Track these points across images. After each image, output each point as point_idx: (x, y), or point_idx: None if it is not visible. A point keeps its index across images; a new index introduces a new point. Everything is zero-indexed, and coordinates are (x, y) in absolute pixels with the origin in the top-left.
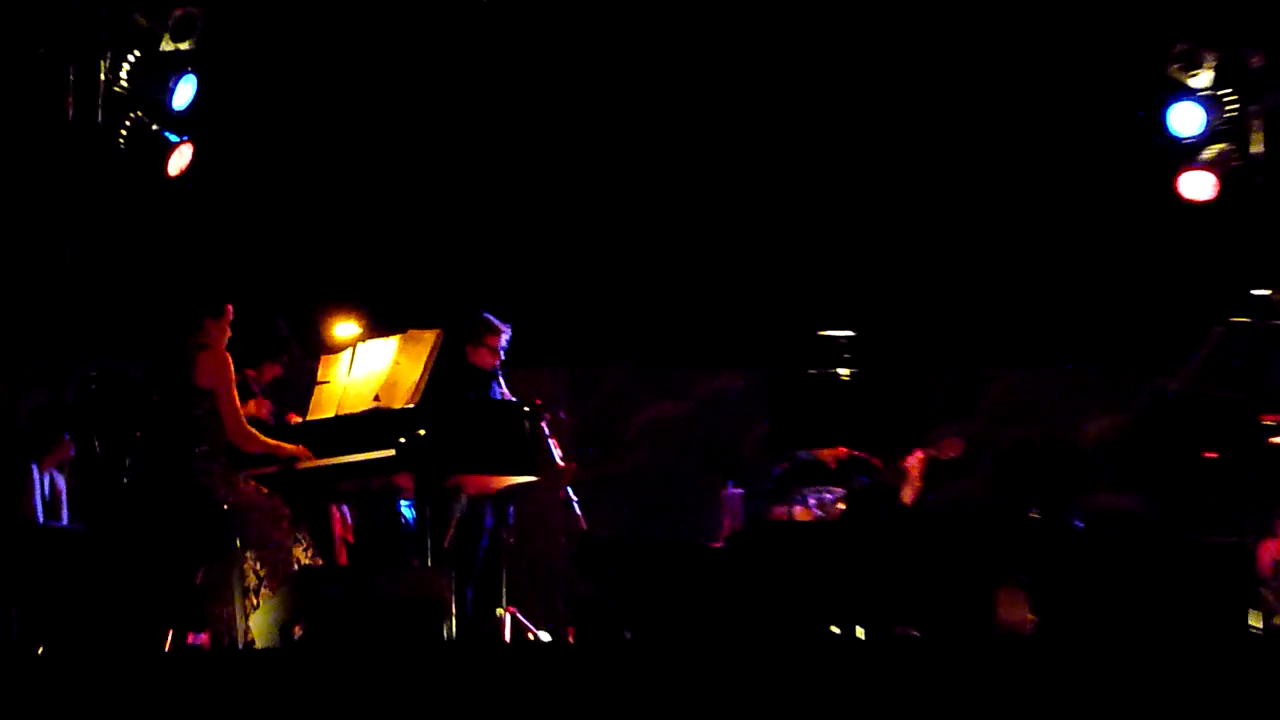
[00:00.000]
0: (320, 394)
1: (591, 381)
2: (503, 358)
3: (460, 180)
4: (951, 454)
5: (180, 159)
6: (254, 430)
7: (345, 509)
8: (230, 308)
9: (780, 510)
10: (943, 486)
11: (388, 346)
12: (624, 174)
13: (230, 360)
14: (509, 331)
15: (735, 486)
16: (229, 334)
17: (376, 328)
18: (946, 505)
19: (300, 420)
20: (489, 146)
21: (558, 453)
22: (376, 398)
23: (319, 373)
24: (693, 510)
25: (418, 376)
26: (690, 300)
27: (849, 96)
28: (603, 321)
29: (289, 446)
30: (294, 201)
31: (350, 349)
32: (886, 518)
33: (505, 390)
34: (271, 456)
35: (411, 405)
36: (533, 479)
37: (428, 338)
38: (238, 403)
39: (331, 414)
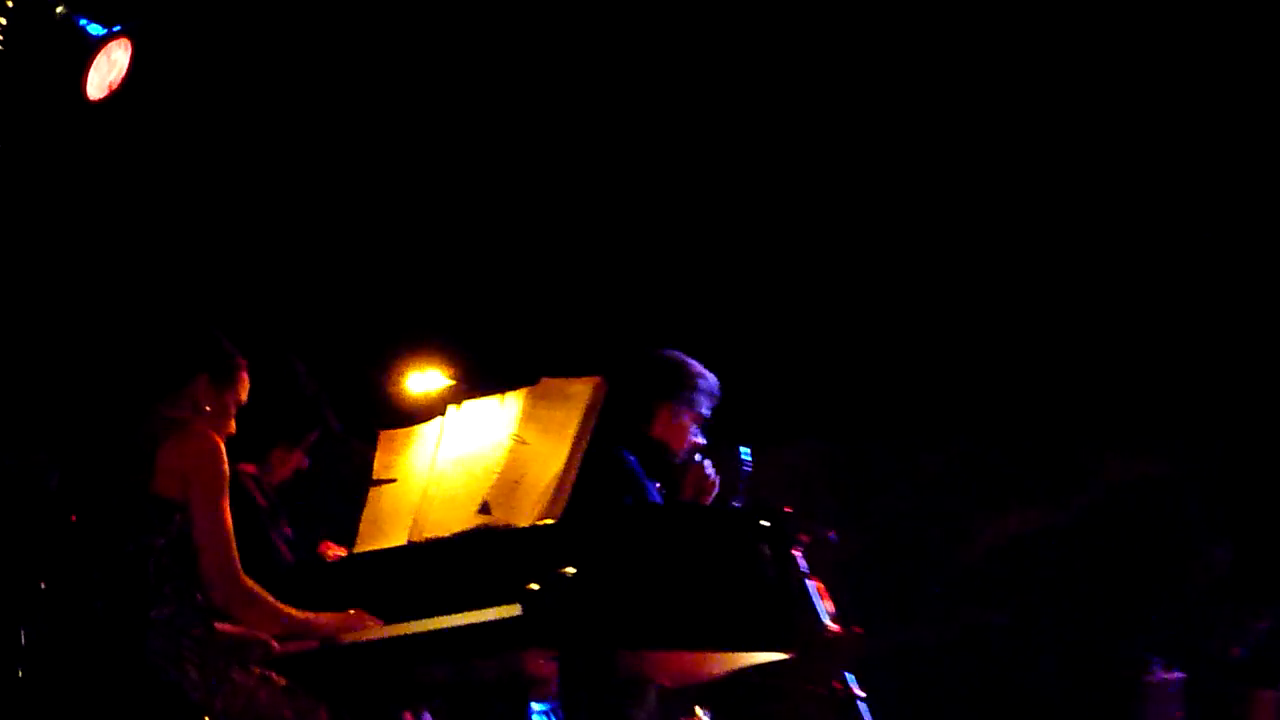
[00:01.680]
0: (381, 502)
1: (885, 470)
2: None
3: (621, 130)
4: None
5: (108, 69)
6: (254, 586)
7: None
8: (244, 364)
9: (1264, 705)
10: None
11: (504, 412)
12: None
13: (223, 450)
14: (717, 387)
15: (1169, 667)
16: (235, 408)
17: (480, 379)
18: None
19: (345, 555)
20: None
21: (825, 607)
22: (485, 506)
23: (377, 463)
24: (1092, 707)
25: (561, 466)
26: (1066, 320)
27: None
28: (902, 361)
29: (325, 618)
30: (327, 157)
31: (436, 420)
32: None
33: (713, 477)
34: (293, 631)
35: (550, 520)
36: (781, 656)
37: (577, 393)
38: (229, 527)
39: (402, 539)
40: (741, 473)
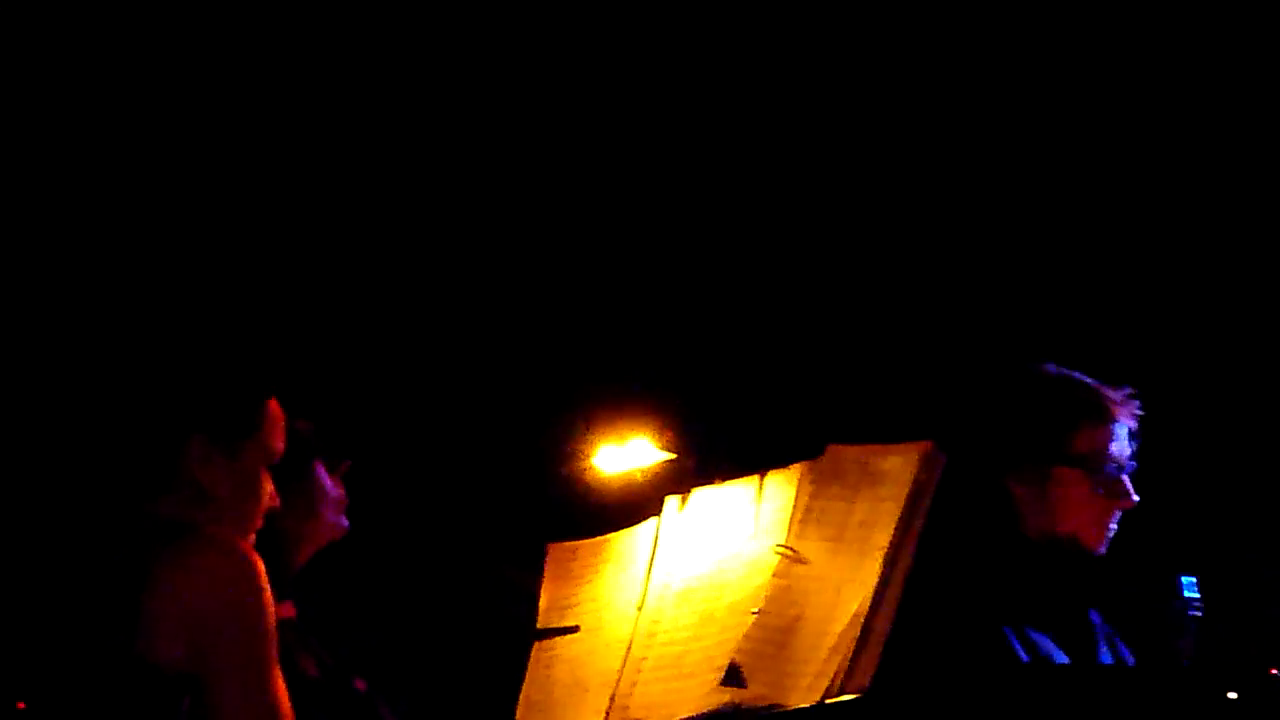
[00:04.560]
0: (554, 668)
1: None
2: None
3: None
4: None
5: None
6: None
7: None
8: (275, 406)
9: None
10: None
11: (763, 506)
12: None
13: (260, 570)
14: (1135, 413)
15: None
16: (264, 472)
17: (717, 450)
18: None
19: None
20: None
21: None
22: (735, 672)
23: (545, 600)
24: None
25: (866, 599)
26: None
27: None
28: None
29: None
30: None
31: (646, 524)
32: None
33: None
34: None
35: (852, 695)
36: None
37: (894, 470)
38: (285, 710)
39: None
40: (1186, 617)
